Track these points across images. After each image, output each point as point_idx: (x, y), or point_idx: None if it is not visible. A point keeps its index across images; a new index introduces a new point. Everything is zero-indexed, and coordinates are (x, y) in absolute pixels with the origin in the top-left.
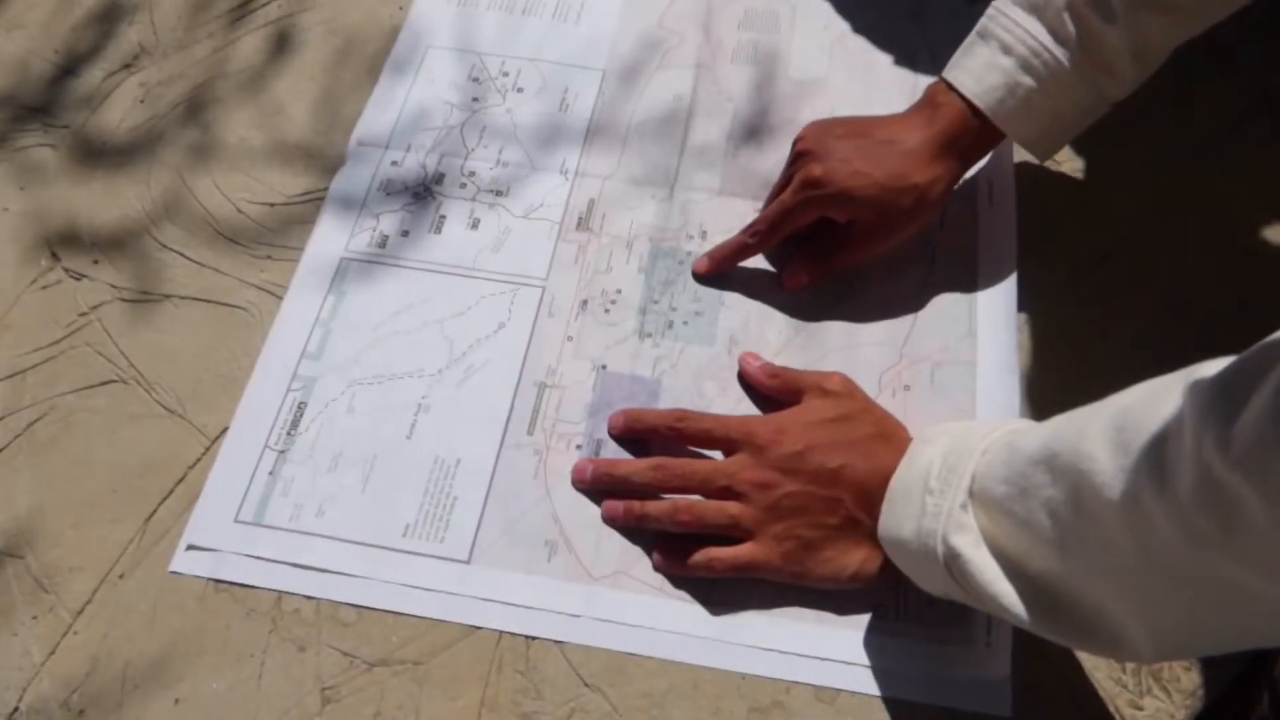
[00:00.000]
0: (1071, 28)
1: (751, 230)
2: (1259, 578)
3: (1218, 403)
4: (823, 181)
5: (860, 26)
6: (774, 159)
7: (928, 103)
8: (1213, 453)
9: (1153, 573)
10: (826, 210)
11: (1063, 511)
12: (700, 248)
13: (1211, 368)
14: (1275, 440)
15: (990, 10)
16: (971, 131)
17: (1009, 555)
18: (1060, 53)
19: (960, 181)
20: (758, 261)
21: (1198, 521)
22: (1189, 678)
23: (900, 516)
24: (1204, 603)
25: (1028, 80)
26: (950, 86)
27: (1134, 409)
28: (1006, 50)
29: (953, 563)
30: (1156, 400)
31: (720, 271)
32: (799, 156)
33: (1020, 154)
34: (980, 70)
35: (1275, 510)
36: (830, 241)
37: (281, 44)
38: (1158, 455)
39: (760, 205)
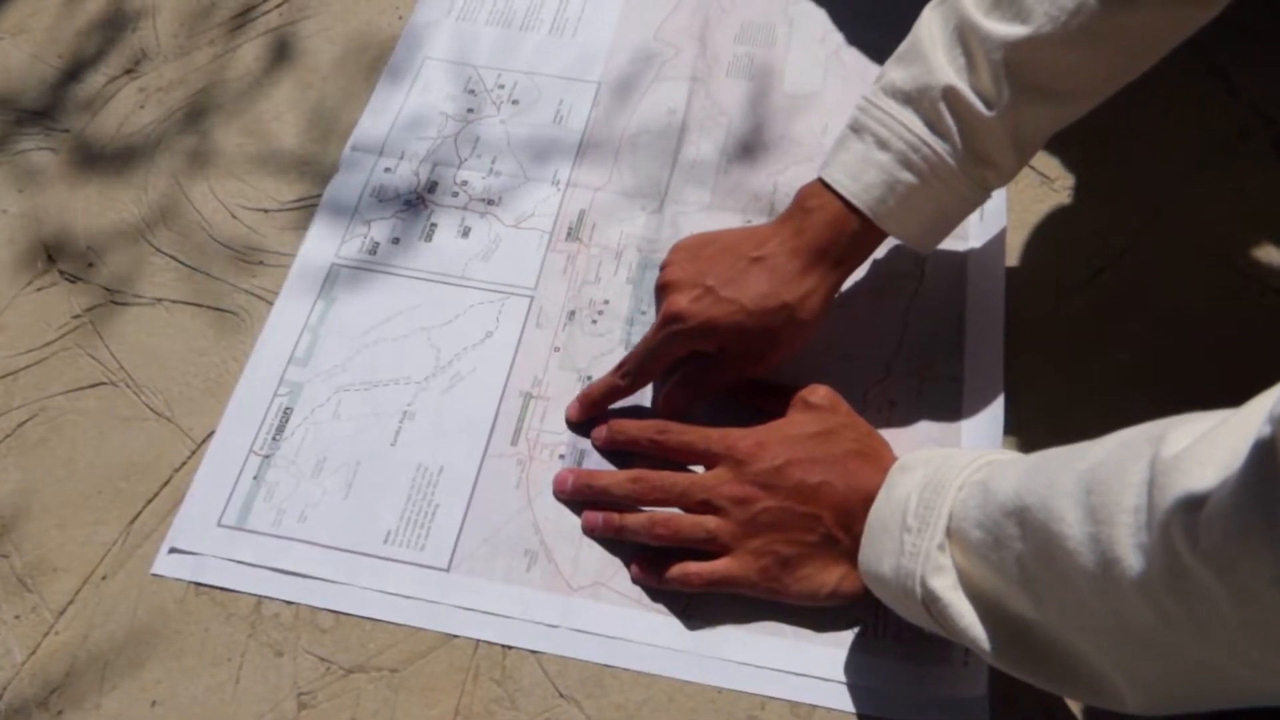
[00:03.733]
0: (950, 120)
1: (621, 371)
2: (1233, 663)
3: (1184, 490)
4: (685, 315)
5: (856, 40)
6: (766, 173)
7: (798, 209)
8: (1180, 540)
9: (1128, 639)
10: (693, 344)
11: (1034, 568)
12: None
13: (1178, 438)
14: (1240, 537)
15: (861, 102)
16: (849, 235)
17: (986, 598)
18: (940, 146)
19: (840, 289)
20: None
21: (1166, 603)
22: None
23: (879, 552)
24: (1183, 672)
25: (908, 176)
26: (826, 186)
27: (1103, 470)
28: (883, 145)
29: (931, 604)
30: (1125, 464)
31: (592, 416)
32: (662, 288)
33: None
34: (856, 167)
35: (1242, 609)
36: (707, 362)
37: (280, 52)
38: (1127, 530)
39: (751, 219)
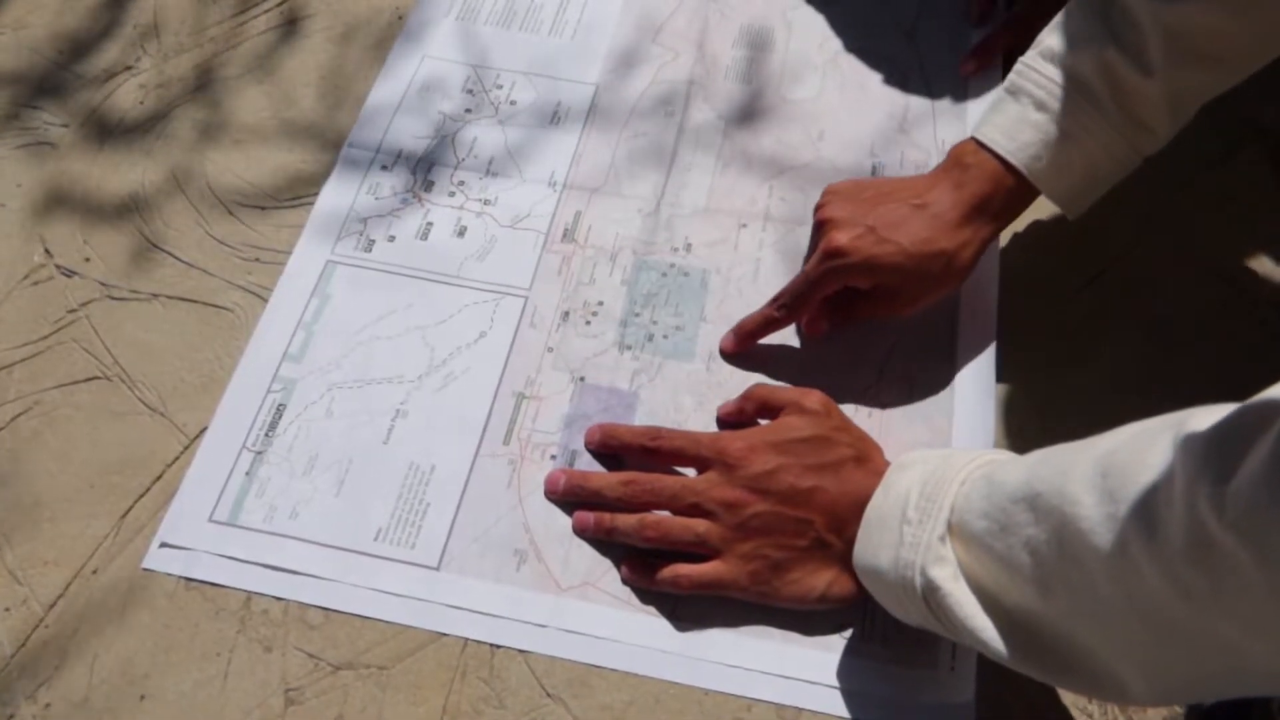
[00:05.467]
0: (1106, 83)
1: (777, 304)
2: (1250, 637)
3: (1212, 459)
4: (846, 250)
5: (853, 46)
6: (762, 177)
7: (954, 164)
8: (1207, 511)
9: (1139, 621)
10: (851, 280)
11: (1044, 552)
12: (684, 259)
13: (1202, 419)
14: (1271, 504)
15: (1019, 66)
16: (1004, 191)
17: (987, 590)
18: (1097, 108)
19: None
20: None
21: (1188, 576)
22: (1157, 709)
23: (876, 545)
24: (1196, 654)
25: (1063, 137)
26: (981, 145)
27: (1120, 454)
28: (1040, 106)
29: (931, 595)
30: (1144, 448)
31: (746, 350)
32: (822, 225)
33: None
34: (1012, 127)
35: (1270, 574)
36: (855, 294)
37: (279, 51)
38: (1146, 506)
39: (746, 223)
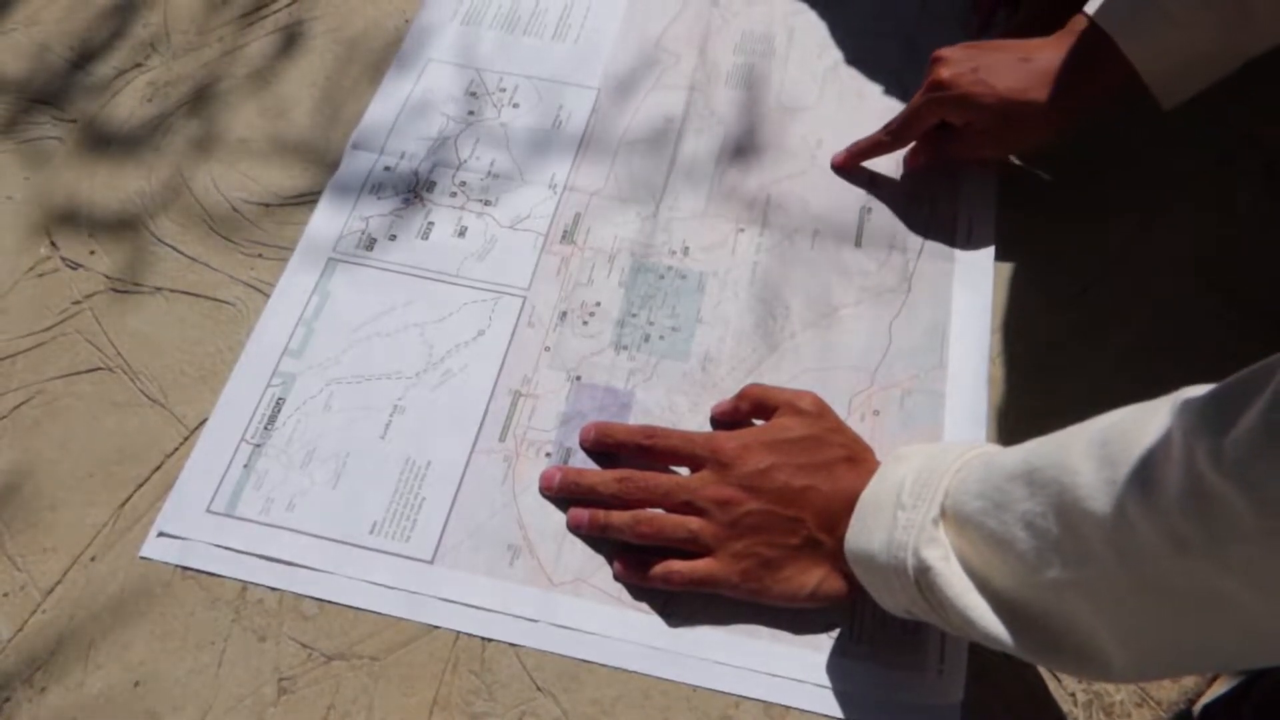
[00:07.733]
0: None
1: (887, 129)
2: (1244, 587)
3: (1211, 415)
4: (946, 84)
5: (853, 55)
6: (759, 183)
7: (1067, 31)
8: (1205, 462)
9: (1132, 586)
10: (946, 112)
11: (1040, 525)
12: (682, 262)
13: (1201, 389)
14: (1269, 451)
15: None
16: (1106, 65)
17: (978, 572)
18: None
19: (1087, 113)
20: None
21: (1185, 529)
22: (1140, 714)
23: (870, 529)
24: (1184, 617)
25: (1164, 16)
26: (1091, 20)
27: (1119, 425)
28: None
29: (923, 576)
30: (1143, 417)
31: (851, 167)
32: (933, 63)
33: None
34: (1120, 7)
35: (1266, 521)
36: (951, 133)
37: (287, 49)
38: (1144, 467)
39: (744, 227)
